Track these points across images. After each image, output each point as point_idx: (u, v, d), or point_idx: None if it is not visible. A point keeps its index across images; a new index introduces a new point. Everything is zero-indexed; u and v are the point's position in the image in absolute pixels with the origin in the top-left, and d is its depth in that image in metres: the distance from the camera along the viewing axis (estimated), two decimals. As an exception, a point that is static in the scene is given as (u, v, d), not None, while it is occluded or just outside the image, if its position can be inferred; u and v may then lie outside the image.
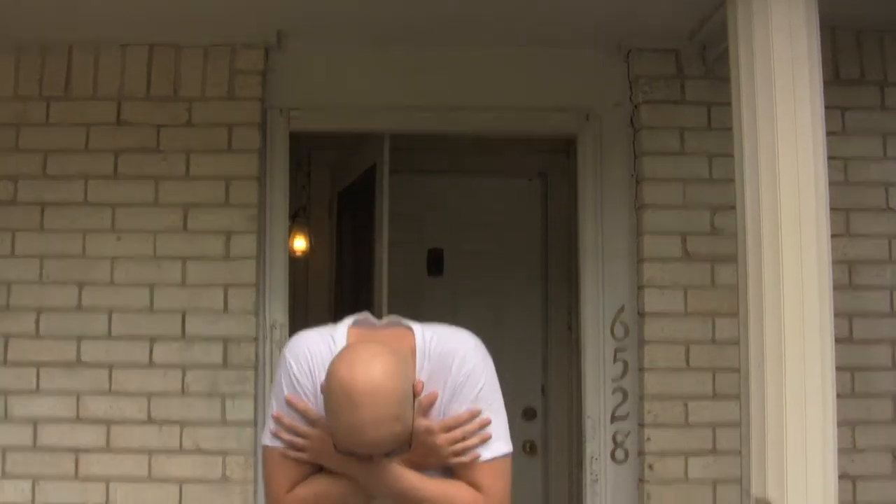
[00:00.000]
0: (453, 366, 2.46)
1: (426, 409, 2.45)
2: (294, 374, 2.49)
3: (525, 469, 5.94)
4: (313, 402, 2.44)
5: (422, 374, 2.46)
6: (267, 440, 2.56)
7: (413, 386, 2.34)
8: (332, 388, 2.27)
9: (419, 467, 2.47)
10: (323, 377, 2.34)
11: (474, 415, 2.47)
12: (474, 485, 2.47)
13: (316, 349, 2.47)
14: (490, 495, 2.47)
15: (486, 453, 2.47)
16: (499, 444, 2.50)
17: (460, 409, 2.45)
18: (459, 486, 2.47)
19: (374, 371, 2.24)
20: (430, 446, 2.44)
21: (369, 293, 4.93)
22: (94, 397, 4.06)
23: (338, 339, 2.51)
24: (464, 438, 2.45)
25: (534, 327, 6.11)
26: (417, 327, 2.54)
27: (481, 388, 2.48)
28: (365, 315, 2.59)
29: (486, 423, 2.48)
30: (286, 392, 2.50)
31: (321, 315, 6.03)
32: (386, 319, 2.65)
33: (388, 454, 2.40)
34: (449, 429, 2.45)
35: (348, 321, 2.57)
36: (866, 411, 4.16)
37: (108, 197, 4.16)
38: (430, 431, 2.43)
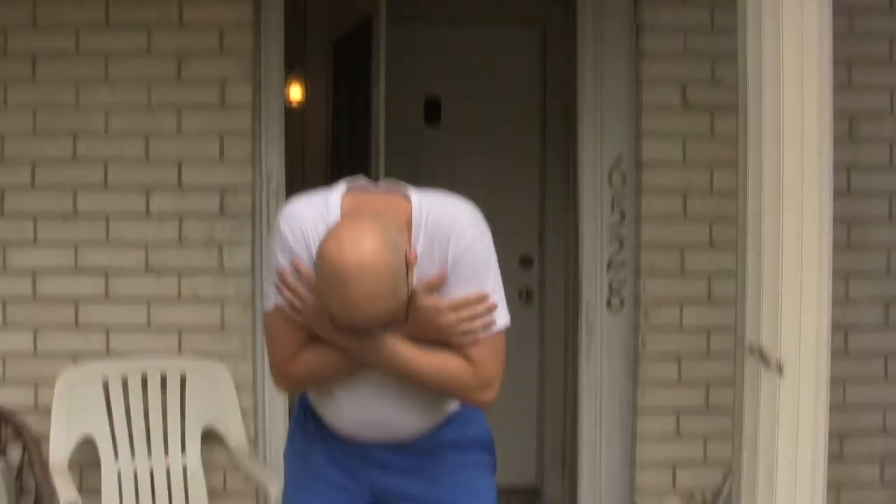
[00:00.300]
0: (451, 237, 2.45)
1: (432, 289, 2.45)
2: (289, 245, 2.49)
3: (521, 317, 5.99)
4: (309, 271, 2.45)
5: (417, 245, 2.45)
6: (268, 306, 2.59)
7: (406, 257, 2.34)
8: (323, 267, 2.28)
9: (417, 339, 2.49)
10: (317, 245, 2.34)
11: (483, 297, 2.47)
12: (468, 356, 2.49)
13: (309, 217, 2.46)
14: (482, 366, 2.50)
15: (483, 325, 2.48)
16: (497, 317, 2.52)
17: (457, 281, 2.46)
18: (452, 358, 2.50)
19: (363, 249, 2.24)
20: (437, 325, 2.45)
21: (366, 144, 4.90)
22: (91, 247, 4.07)
23: (331, 206, 2.49)
24: (471, 319, 2.47)
25: (531, 175, 6.09)
26: (415, 196, 2.52)
27: (479, 262, 2.48)
28: (360, 180, 2.57)
29: (493, 307, 2.49)
30: (281, 261, 2.50)
31: (318, 166, 6.03)
32: (383, 184, 2.63)
33: (385, 327, 2.42)
34: (456, 310, 2.45)
35: (342, 187, 2.55)
36: (861, 263, 4.18)
37: (100, 45, 4.09)
38: (438, 311, 2.44)
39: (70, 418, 3.87)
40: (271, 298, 2.56)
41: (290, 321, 2.53)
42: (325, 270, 2.27)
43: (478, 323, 2.46)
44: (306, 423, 2.78)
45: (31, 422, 3.99)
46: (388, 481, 2.71)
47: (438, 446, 2.70)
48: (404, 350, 2.47)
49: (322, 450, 2.73)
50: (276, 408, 4.27)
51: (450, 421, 2.70)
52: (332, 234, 2.31)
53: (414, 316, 2.43)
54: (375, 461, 2.69)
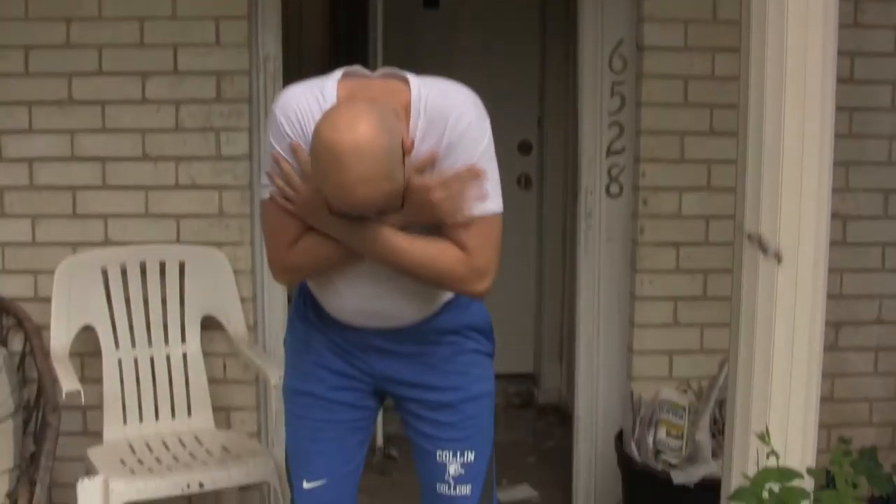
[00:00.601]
0: (449, 122, 2.43)
1: (423, 168, 2.44)
2: (285, 132, 2.47)
3: (519, 203, 6.00)
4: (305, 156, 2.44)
5: (416, 131, 2.44)
6: (264, 196, 2.58)
7: (403, 143, 2.32)
8: (318, 150, 2.27)
9: (410, 225, 2.48)
10: (312, 131, 2.33)
11: (472, 173, 2.46)
12: (461, 244, 2.49)
13: (305, 104, 2.44)
14: (476, 255, 2.50)
15: (477, 211, 2.48)
16: (490, 203, 2.51)
17: (453, 164, 2.44)
18: (445, 246, 2.50)
19: (358, 131, 2.23)
20: (426, 204, 2.45)
21: (365, 27, 4.84)
22: (88, 135, 4.04)
23: (327, 93, 2.47)
24: (463, 195, 2.46)
25: (530, 59, 6.05)
26: (414, 81, 2.50)
27: (477, 146, 2.47)
28: (356, 67, 2.54)
29: (485, 179, 2.48)
30: (278, 147, 2.49)
31: (316, 53, 5.97)
32: (380, 71, 2.60)
33: (380, 213, 2.42)
34: (446, 186, 2.44)
35: (338, 74, 2.52)
36: (861, 152, 4.15)
37: (90, -71, 4.01)
38: (427, 189, 2.43)
39: (70, 307, 3.89)
40: (267, 188, 2.55)
41: (286, 211, 2.53)
42: (321, 152, 2.27)
43: (469, 198, 2.46)
44: (306, 310, 2.80)
45: (32, 311, 4.00)
46: (388, 367, 2.74)
47: (437, 332, 2.72)
48: (398, 240, 2.47)
49: (322, 337, 2.76)
50: (276, 295, 4.28)
51: (448, 307, 2.72)
52: (327, 117, 2.30)
53: (408, 198, 2.43)
54: (375, 347, 2.71)
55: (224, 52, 4.05)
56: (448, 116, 2.44)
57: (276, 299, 4.28)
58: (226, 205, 4.10)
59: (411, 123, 2.44)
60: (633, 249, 4.23)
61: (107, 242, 4.07)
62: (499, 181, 2.52)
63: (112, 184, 4.07)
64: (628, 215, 4.25)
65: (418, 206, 2.45)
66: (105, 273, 3.96)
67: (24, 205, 4.06)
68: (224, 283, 4.08)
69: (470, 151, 2.45)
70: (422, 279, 2.55)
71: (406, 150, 2.35)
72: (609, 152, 4.28)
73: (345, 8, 5.60)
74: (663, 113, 4.13)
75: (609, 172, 4.28)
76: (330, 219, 2.47)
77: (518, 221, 5.93)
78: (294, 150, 2.46)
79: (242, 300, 4.10)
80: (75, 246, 4.05)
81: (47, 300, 3.88)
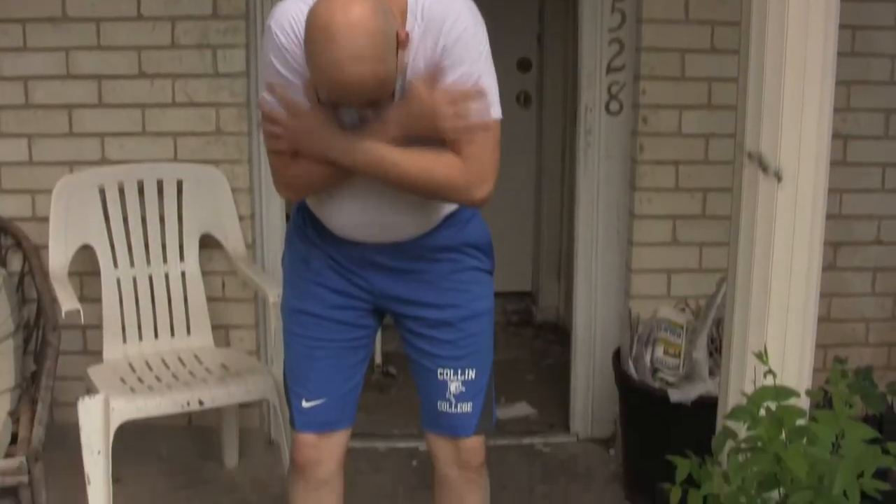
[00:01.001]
0: (444, 26, 2.42)
1: (425, 81, 2.42)
2: (282, 44, 2.45)
3: (519, 120, 5.97)
4: (303, 71, 2.42)
5: (413, 35, 2.42)
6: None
7: (398, 34, 2.31)
8: (311, 28, 2.27)
9: (409, 139, 2.47)
10: None
11: (477, 91, 2.45)
12: (460, 152, 2.48)
13: (299, 15, 2.41)
14: (475, 162, 2.49)
15: (476, 117, 2.46)
16: (489, 110, 2.49)
17: (449, 67, 2.42)
18: (442, 155, 2.49)
19: (353, 11, 2.23)
20: (427, 113, 2.43)
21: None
22: (83, 52, 3.99)
23: None
24: (465, 107, 2.45)
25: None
26: None
27: (471, 51, 2.45)
28: None
29: (487, 93, 2.47)
30: (275, 62, 2.47)
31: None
32: None
33: (374, 108, 2.41)
34: (450, 96, 2.43)
35: None
36: (864, 71, 4.11)
37: None
38: (431, 98, 2.42)
39: (68, 226, 3.88)
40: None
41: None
42: (314, 30, 2.27)
43: (471, 110, 2.45)
44: (305, 227, 2.79)
45: (30, 231, 4.01)
46: (387, 285, 2.74)
47: (436, 249, 2.72)
48: (391, 153, 2.46)
49: (320, 254, 2.76)
50: (274, 213, 4.27)
51: (448, 223, 2.72)
52: (322, 1, 2.29)
53: (408, 108, 2.44)
54: (374, 264, 2.71)
55: (220, -32, 4.00)
56: (444, 21, 2.42)
57: (274, 217, 4.27)
58: (223, 122, 4.08)
59: (408, 27, 2.42)
60: (632, 168, 4.21)
61: (104, 161, 4.06)
62: (497, 89, 2.51)
63: (108, 102, 4.04)
64: (628, 133, 4.23)
65: (419, 116, 2.44)
66: (102, 192, 3.95)
67: (20, 124, 4.04)
68: (222, 201, 4.07)
69: (465, 56, 2.44)
70: (420, 192, 2.53)
71: (400, 41, 2.34)
72: (609, 69, 4.24)
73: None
74: (664, 29, 4.08)
75: (609, 90, 4.25)
76: (323, 139, 2.46)
77: (517, 139, 5.90)
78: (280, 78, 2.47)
79: (241, 218, 4.10)
80: (72, 165, 4.04)
81: (45, 220, 3.87)
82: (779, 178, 2.51)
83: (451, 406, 2.80)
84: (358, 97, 2.34)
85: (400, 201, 2.59)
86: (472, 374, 2.79)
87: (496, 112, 2.51)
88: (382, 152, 2.46)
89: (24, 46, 3.99)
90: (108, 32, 4.00)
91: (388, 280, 2.74)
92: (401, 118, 2.45)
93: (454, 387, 2.78)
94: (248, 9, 4.05)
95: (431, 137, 2.47)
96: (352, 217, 2.65)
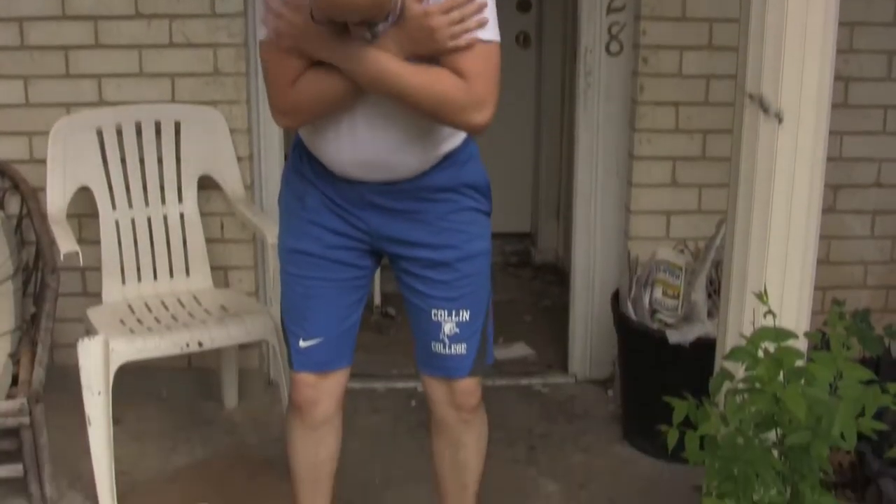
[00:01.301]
0: None
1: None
2: None
3: (518, 61, 5.94)
4: None
5: None
6: (261, 34, 2.56)
7: None
8: None
9: (408, 58, 2.46)
10: None
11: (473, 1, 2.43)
12: (460, 71, 2.46)
13: None
14: (475, 83, 2.47)
15: (475, 37, 2.44)
16: (489, 32, 2.47)
17: None
18: (444, 72, 2.47)
19: None
20: (425, 31, 2.42)
21: None
22: (78, -8, 3.98)
23: None
24: (462, 21, 2.43)
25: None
26: None
27: None
28: None
29: (483, 6, 2.44)
30: None
31: None
32: None
33: (372, 27, 2.39)
34: (446, 10, 2.41)
35: None
36: (867, 12, 4.08)
37: None
38: (427, 14, 2.41)
39: (66, 168, 3.86)
40: (263, 28, 2.53)
41: (284, 50, 2.52)
42: None
43: (469, 23, 2.43)
44: (301, 166, 2.78)
45: (27, 173, 4.00)
46: (384, 225, 2.74)
47: (434, 189, 2.71)
48: (395, 65, 2.45)
49: (317, 193, 2.75)
50: (272, 154, 4.26)
51: (445, 163, 2.71)
52: None
53: (406, 26, 2.43)
54: (371, 203, 2.71)
55: None
56: None
57: (272, 158, 4.26)
58: (221, 63, 4.05)
59: None
60: (632, 108, 4.19)
61: (101, 103, 4.03)
62: (496, 13, 2.49)
63: (105, 43, 4.01)
64: (628, 74, 4.20)
65: (416, 34, 2.42)
66: (100, 134, 3.93)
67: (16, 65, 4.01)
68: (220, 142, 4.06)
69: None
70: (419, 107, 2.50)
71: None
72: (609, 9, 4.20)
73: None
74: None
75: (609, 30, 4.22)
76: (324, 42, 2.44)
77: (517, 80, 5.88)
78: None
79: (239, 159, 4.08)
80: (69, 107, 4.01)
81: (42, 162, 3.85)
82: (780, 119, 2.50)
83: (444, 347, 2.81)
84: (352, 14, 2.33)
85: (396, 136, 2.58)
86: (466, 315, 2.79)
87: (495, 35, 2.49)
88: (383, 59, 2.43)
89: (18, -14, 3.96)
90: (103, -28, 3.97)
91: (384, 220, 2.73)
92: (399, 39, 2.43)
93: (448, 328, 2.79)
94: (245, -53, 4.02)
95: (432, 60, 2.46)
96: (348, 154, 2.63)
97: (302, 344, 2.83)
